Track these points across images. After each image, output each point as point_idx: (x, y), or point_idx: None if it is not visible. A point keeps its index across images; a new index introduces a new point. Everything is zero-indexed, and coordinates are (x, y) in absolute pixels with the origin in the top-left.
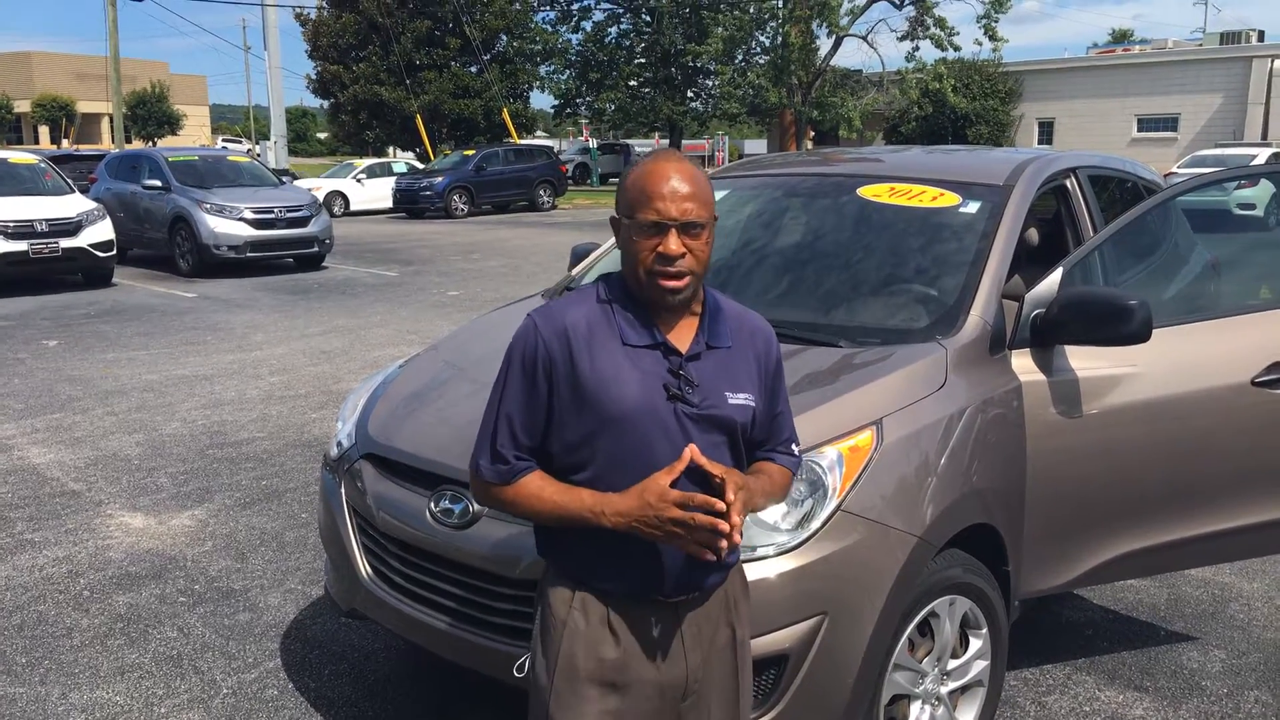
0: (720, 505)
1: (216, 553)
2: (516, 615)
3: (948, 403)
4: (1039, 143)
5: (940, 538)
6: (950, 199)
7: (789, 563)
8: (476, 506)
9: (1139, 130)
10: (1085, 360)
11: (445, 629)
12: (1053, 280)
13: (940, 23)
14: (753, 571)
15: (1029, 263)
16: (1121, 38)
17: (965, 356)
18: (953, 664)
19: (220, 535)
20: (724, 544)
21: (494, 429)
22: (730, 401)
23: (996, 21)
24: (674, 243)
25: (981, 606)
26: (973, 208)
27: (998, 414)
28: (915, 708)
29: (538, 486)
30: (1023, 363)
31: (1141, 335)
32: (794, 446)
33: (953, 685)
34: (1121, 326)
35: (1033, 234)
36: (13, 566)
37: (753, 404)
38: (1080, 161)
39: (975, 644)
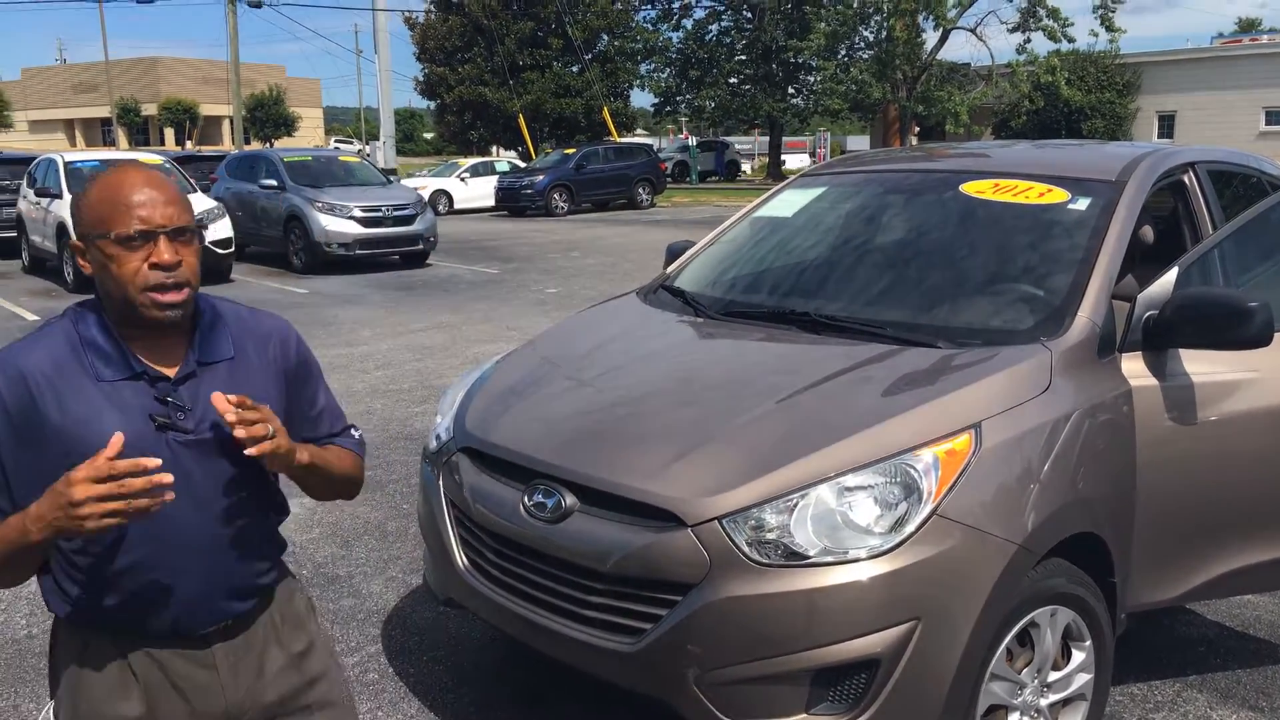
0: (152, 463)
1: (323, 540)
2: (607, 609)
3: (1052, 407)
4: (1159, 137)
5: (1041, 546)
6: (1059, 195)
7: (881, 566)
8: (569, 501)
9: (1267, 123)
10: (1201, 365)
11: (538, 621)
12: (1167, 280)
13: (1054, 13)
14: (844, 575)
15: (1142, 262)
16: (1249, 27)
17: (1072, 359)
18: (1053, 676)
19: (327, 523)
20: (167, 496)
21: None
22: (226, 421)
23: (1114, 11)
24: (167, 250)
25: (1085, 618)
26: (1083, 204)
27: (1106, 419)
28: (1013, 719)
29: None
30: (1134, 366)
31: (1261, 339)
32: (354, 432)
33: (1053, 698)
34: (1240, 330)
35: (1147, 232)
36: None
37: None
38: (1200, 156)
39: (1078, 656)
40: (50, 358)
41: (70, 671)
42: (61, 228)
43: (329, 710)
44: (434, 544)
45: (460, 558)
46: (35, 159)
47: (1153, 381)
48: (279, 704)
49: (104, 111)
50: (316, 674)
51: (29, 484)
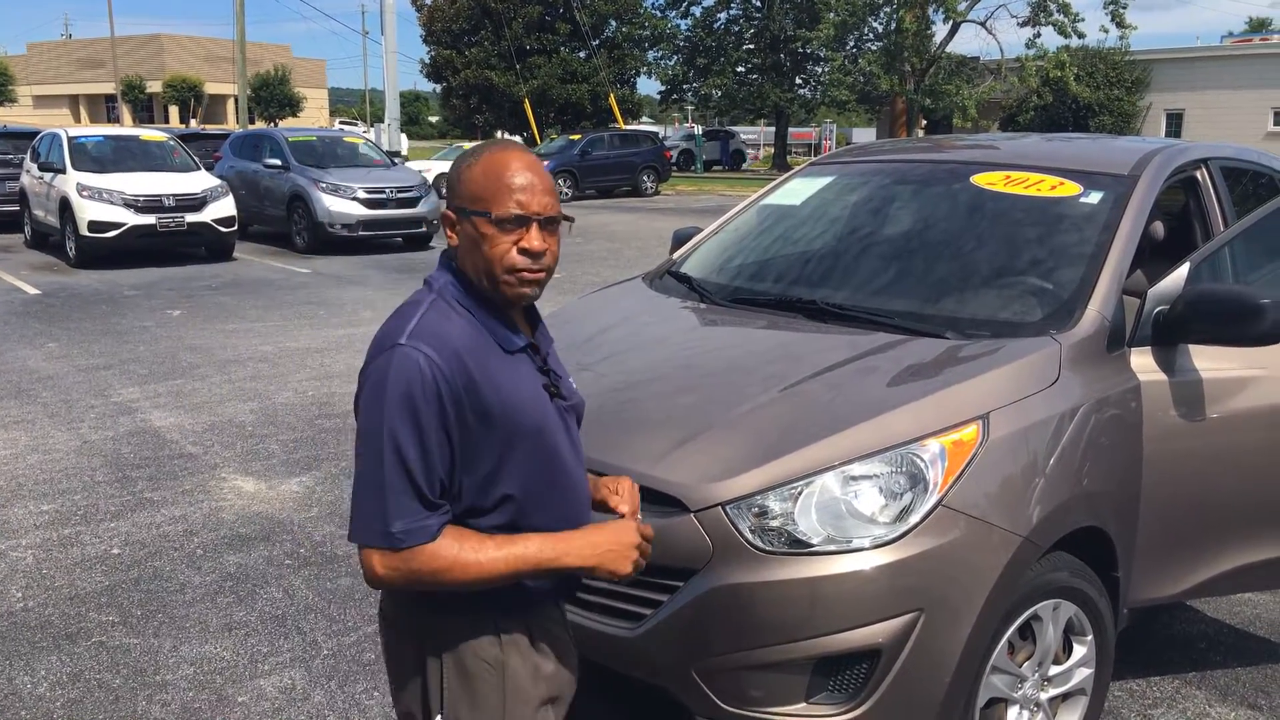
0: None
1: (322, 519)
2: (608, 594)
3: (1060, 400)
4: (1166, 135)
5: (1046, 539)
6: (1070, 188)
7: (885, 556)
8: None
9: (1275, 123)
10: (1210, 361)
11: None
12: (1178, 276)
13: (1064, 8)
14: (847, 564)
15: (1153, 258)
16: (1259, 26)
17: (1081, 352)
18: (1054, 670)
19: (326, 502)
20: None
21: (406, 481)
22: (574, 388)
23: (1125, 8)
24: (537, 238)
25: (1087, 612)
26: (1094, 198)
27: (1113, 414)
28: (1013, 712)
29: (475, 545)
30: (1142, 361)
31: (1272, 336)
32: None
33: (1053, 692)
34: (1250, 326)
35: (1158, 227)
36: (132, 523)
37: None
38: (1212, 153)
39: (1079, 651)
40: (466, 332)
41: (494, 662)
42: (64, 202)
43: None
44: None
45: None
46: (39, 133)
47: (1161, 377)
48: None
49: (109, 88)
50: None
51: (469, 462)
